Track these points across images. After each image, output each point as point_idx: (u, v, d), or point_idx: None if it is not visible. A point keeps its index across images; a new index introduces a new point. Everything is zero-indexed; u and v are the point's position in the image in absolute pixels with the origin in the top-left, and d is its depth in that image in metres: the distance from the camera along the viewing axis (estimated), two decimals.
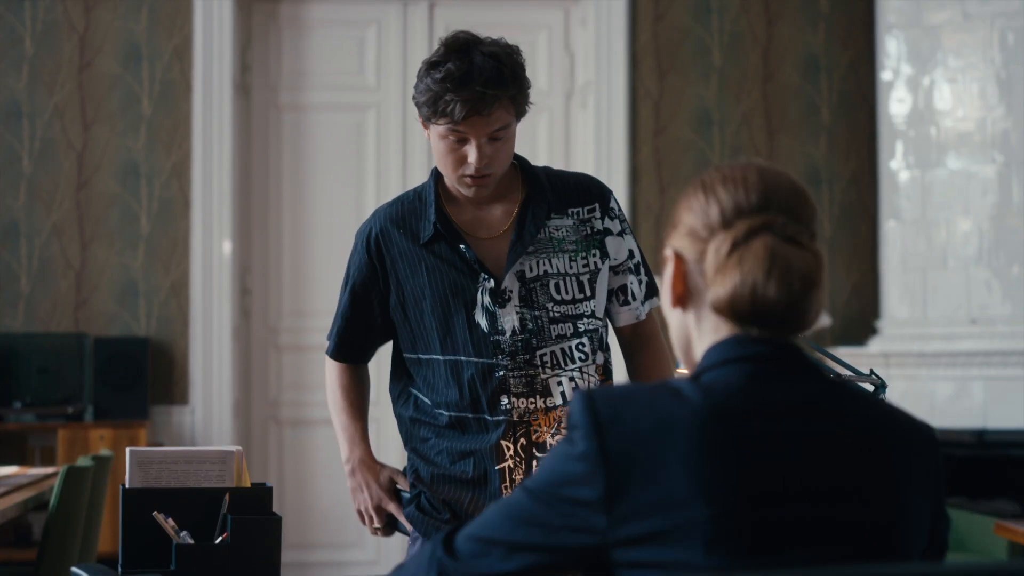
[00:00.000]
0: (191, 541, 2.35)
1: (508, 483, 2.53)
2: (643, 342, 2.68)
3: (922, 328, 5.71)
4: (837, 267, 6.13)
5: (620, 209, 2.66)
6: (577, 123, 6.20)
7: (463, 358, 2.53)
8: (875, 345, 5.84)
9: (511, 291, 2.54)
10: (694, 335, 1.55)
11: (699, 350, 1.54)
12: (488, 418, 2.53)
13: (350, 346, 2.74)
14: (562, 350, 2.55)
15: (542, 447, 2.54)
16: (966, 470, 5.41)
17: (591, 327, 2.58)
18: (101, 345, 5.74)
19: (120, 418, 5.68)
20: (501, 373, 2.52)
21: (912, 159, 5.79)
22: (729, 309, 1.48)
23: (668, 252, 1.56)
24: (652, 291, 2.67)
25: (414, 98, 2.52)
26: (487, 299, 2.53)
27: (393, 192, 6.09)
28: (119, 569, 2.38)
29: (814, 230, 1.54)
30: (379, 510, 2.67)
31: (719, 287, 1.48)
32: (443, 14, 6.16)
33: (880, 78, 5.95)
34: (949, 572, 1.40)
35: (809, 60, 6.16)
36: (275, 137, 6.15)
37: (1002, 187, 5.54)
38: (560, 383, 2.55)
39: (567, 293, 2.56)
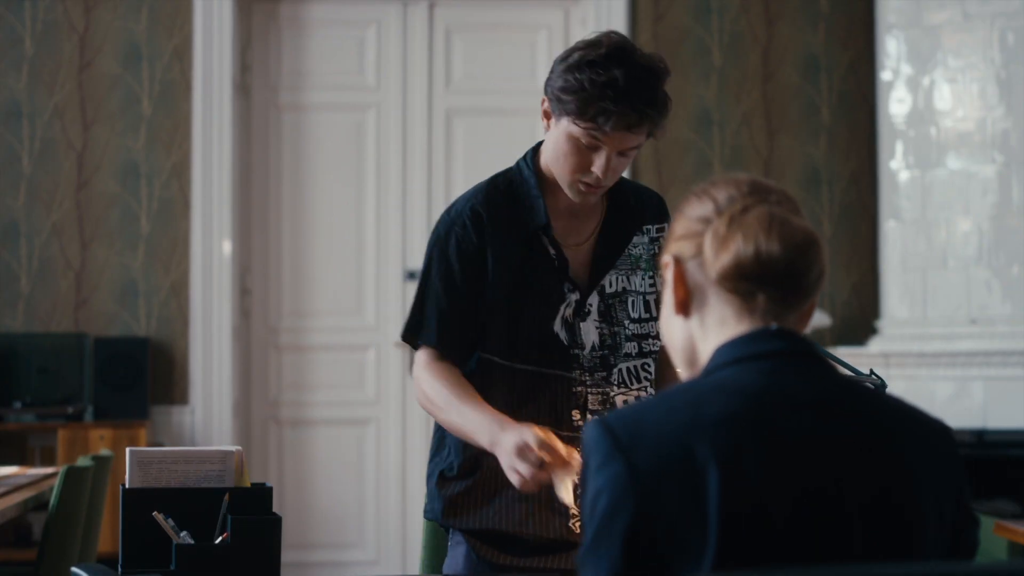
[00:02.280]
0: (191, 541, 2.35)
1: (574, 498, 2.41)
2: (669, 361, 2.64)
3: (922, 328, 5.71)
4: (837, 267, 6.13)
5: None
6: None
7: (539, 369, 2.42)
8: (875, 345, 5.85)
9: (591, 305, 2.46)
10: (698, 337, 1.55)
11: (705, 351, 1.54)
12: (562, 433, 2.39)
13: (452, 336, 2.42)
14: (628, 369, 2.49)
15: None
16: (966, 470, 5.41)
17: (655, 348, 2.52)
18: (101, 345, 5.74)
19: (120, 418, 5.68)
20: (579, 388, 2.44)
21: (912, 159, 5.79)
22: (736, 273, 1.49)
23: (666, 259, 1.57)
24: None
25: (556, 87, 2.35)
26: (569, 311, 2.44)
27: (393, 192, 6.09)
28: (119, 569, 2.38)
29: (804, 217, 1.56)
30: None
31: (723, 257, 1.49)
32: (443, 14, 6.16)
33: (880, 78, 5.96)
34: (948, 572, 1.40)
35: (809, 60, 6.16)
36: (275, 137, 6.15)
37: (1002, 187, 5.55)
38: (627, 402, 2.47)
39: (636, 312, 2.50)
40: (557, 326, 2.44)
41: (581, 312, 2.45)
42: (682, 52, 6.12)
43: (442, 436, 2.53)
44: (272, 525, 2.36)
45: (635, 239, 2.52)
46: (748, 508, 1.39)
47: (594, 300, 2.46)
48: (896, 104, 5.85)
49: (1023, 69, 5.52)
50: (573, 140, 2.35)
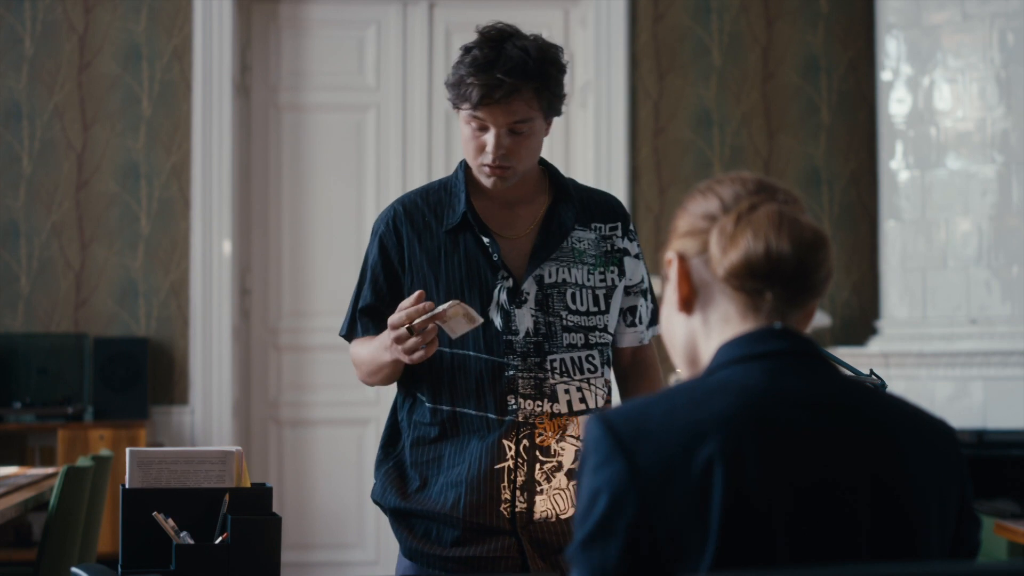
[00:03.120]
0: (191, 541, 2.35)
1: (506, 483, 2.50)
2: (642, 370, 2.70)
3: (922, 328, 5.71)
4: (837, 267, 6.11)
5: (636, 234, 2.68)
6: (577, 123, 6.20)
7: (472, 353, 2.51)
8: (875, 345, 5.85)
9: (528, 294, 2.54)
10: (700, 336, 1.54)
11: (707, 349, 1.53)
12: (492, 417, 2.51)
13: (379, 331, 2.55)
14: (571, 359, 2.56)
15: (546, 451, 2.52)
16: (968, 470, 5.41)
17: (602, 341, 2.59)
18: (101, 345, 5.74)
19: (120, 418, 5.69)
20: (511, 373, 2.51)
21: (912, 159, 5.79)
22: (745, 271, 1.48)
23: (669, 256, 1.56)
24: (656, 319, 2.67)
25: (445, 82, 2.55)
26: (504, 297, 2.53)
27: (393, 192, 6.09)
28: (119, 569, 2.38)
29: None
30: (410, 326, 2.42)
31: (732, 255, 1.48)
32: (443, 14, 6.17)
33: (880, 78, 5.96)
34: (948, 572, 1.40)
35: (809, 60, 6.17)
36: (275, 137, 6.15)
37: (1002, 187, 5.55)
38: (567, 391, 2.55)
39: (582, 304, 2.57)
40: (493, 312, 2.52)
41: (517, 299, 2.53)
42: (682, 52, 6.12)
43: (397, 429, 2.62)
44: (272, 525, 2.36)
45: (580, 234, 2.60)
46: (750, 507, 1.39)
47: (531, 289, 2.55)
48: (896, 104, 5.85)
49: (1023, 69, 5.52)
50: (467, 126, 2.51)
